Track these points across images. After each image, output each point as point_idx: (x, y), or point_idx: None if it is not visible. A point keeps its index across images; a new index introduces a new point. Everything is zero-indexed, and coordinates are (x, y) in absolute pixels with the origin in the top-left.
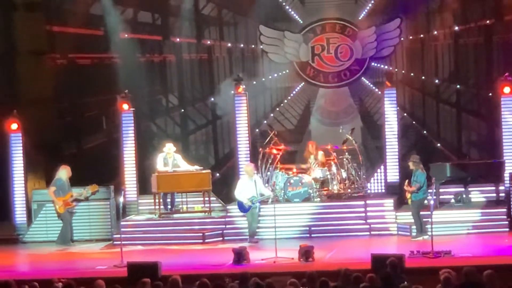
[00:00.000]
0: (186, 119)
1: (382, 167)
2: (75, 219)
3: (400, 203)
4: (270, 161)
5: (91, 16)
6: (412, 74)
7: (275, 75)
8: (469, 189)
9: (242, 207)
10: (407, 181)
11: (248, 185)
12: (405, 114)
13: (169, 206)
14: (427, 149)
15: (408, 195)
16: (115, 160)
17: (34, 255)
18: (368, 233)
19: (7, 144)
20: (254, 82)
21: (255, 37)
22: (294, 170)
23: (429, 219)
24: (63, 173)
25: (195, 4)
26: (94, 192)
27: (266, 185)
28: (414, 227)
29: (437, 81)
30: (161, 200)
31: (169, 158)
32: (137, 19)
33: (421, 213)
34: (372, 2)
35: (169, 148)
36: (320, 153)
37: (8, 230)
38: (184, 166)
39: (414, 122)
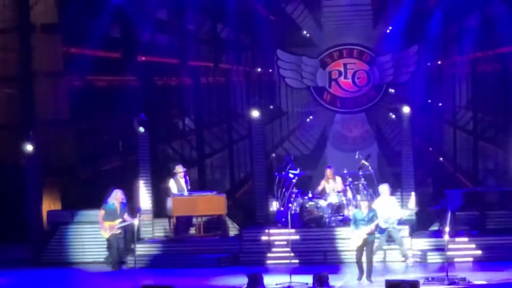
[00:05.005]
0: (203, 142)
1: (398, 193)
2: (90, 240)
3: (416, 230)
4: (286, 186)
5: (108, 38)
6: (429, 100)
7: (292, 99)
8: (484, 216)
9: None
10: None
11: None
12: (421, 141)
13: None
14: (443, 176)
15: (363, 240)
16: (131, 183)
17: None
18: (383, 259)
19: (23, 165)
20: (271, 107)
21: (272, 62)
22: (310, 194)
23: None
24: (112, 197)
25: (212, 28)
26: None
27: (282, 208)
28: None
29: (454, 108)
30: (176, 223)
31: (180, 179)
32: (154, 42)
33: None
34: (390, 28)
35: (178, 169)
36: (338, 179)
37: (24, 251)
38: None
39: (430, 149)
